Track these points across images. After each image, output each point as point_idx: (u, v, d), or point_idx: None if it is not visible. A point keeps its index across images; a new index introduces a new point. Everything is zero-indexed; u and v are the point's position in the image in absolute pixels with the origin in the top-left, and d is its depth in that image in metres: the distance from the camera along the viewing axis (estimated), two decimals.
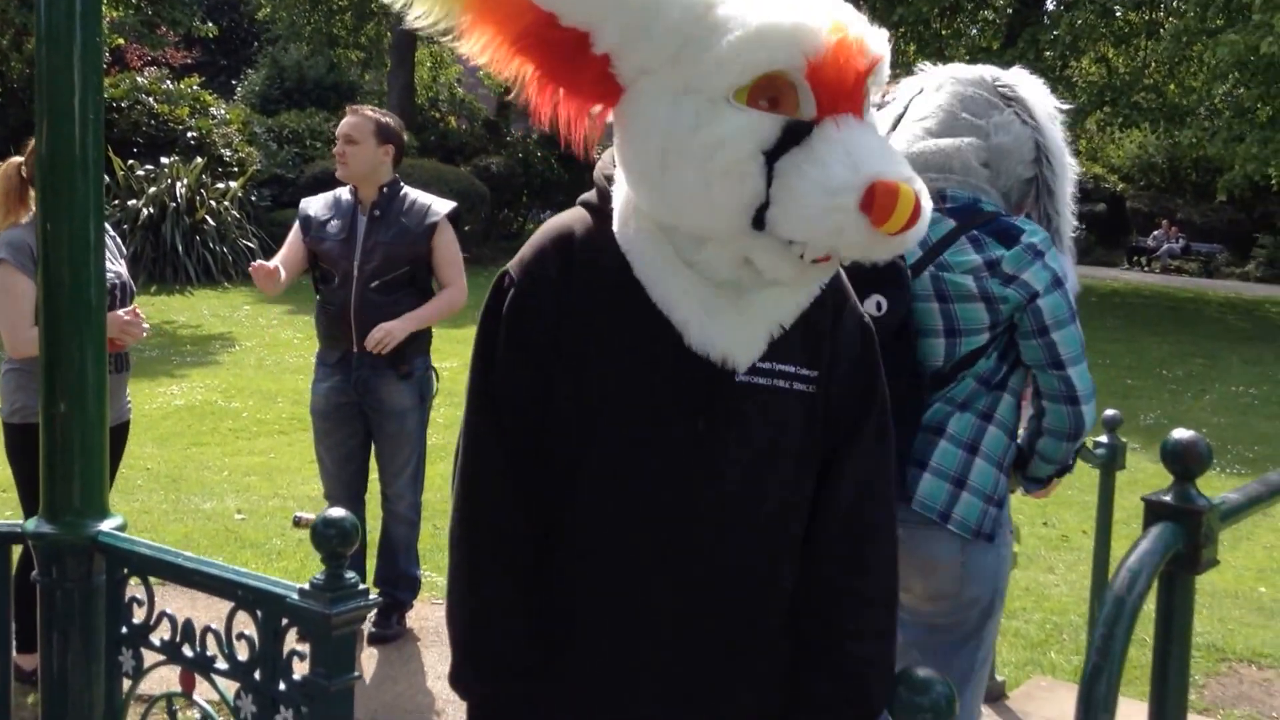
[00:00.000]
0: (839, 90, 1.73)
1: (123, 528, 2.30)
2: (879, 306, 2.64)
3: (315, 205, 5.07)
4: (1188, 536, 1.77)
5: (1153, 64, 23.04)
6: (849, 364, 2.01)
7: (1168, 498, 1.81)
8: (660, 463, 1.92)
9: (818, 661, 2.00)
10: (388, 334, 4.83)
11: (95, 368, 2.27)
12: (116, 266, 4.35)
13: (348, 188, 5.03)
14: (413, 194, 5.09)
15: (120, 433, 4.41)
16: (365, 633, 5.02)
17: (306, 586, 1.93)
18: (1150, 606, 1.84)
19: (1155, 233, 33.79)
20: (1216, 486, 2.10)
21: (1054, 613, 5.81)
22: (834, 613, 2.00)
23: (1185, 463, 1.86)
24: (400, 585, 5.16)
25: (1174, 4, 22.35)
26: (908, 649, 2.94)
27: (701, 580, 1.94)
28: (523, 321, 1.96)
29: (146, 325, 4.32)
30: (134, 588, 2.27)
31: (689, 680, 1.98)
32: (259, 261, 4.80)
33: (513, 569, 1.98)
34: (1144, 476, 8.02)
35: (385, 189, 4.98)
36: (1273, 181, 21.53)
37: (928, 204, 1.74)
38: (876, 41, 1.78)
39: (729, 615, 1.97)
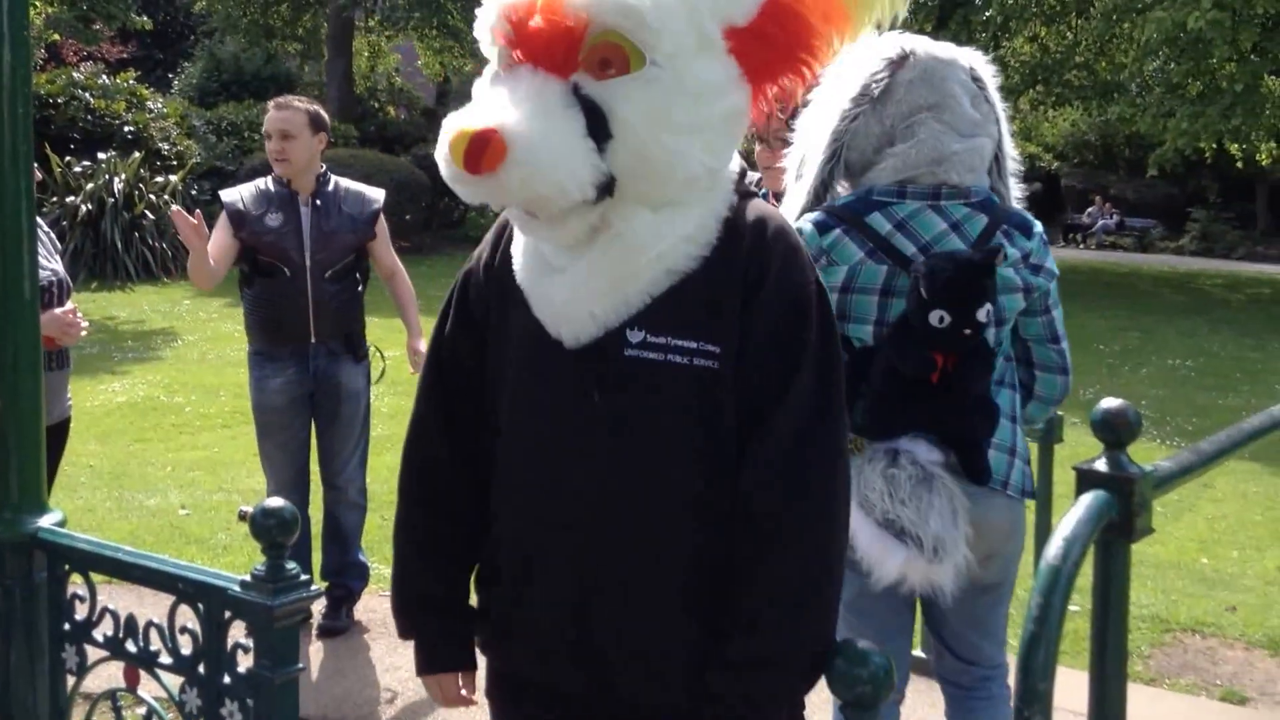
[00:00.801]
0: (522, 46, 1.82)
1: (62, 523, 2.28)
2: (988, 314, 2.77)
3: (244, 198, 4.97)
4: (1121, 504, 1.79)
5: (1084, 42, 23.21)
6: (765, 342, 1.92)
7: (1099, 465, 1.83)
8: (560, 432, 1.97)
9: (722, 651, 1.93)
10: (421, 354, 5.15)
11: (30, 362, 2.25)
12: (53, 264, 4.28)
13: (271, 177, 5.00)
14: (342, 181, 5.12)
15: (61, 430, 4.35)
16: (314, 627, 5.01)
17: (248, 578, 1.92)
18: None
19: (1090, 209, 34.10)
20: (1156, 458, 2.15)
21: None
22: (736, 600, 1.94)
23: (1115, 430, 1.88)
24: (350, 573, 5.15)
25: None
26: (958, 617, 3.12)
27: (602, 547, 1.97)
28: (464, 298, 2.12)
29: (86, 324, 4.26)
30: (77, 585, 2.26)
31: (603, 651, 1.99)
32: (177, 208, 4.68)
33: (444, 515, 2.11)
34: (1084, 451, 8.05)
35: (320, 178, 4.98)
36: (1205, 155, 21.82)
37: (506, 145, 1.74)
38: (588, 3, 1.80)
39: (632, 582, 1.97)
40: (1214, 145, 20.42)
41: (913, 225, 2.85)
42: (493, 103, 1.79)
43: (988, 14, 21.30)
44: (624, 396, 1.92)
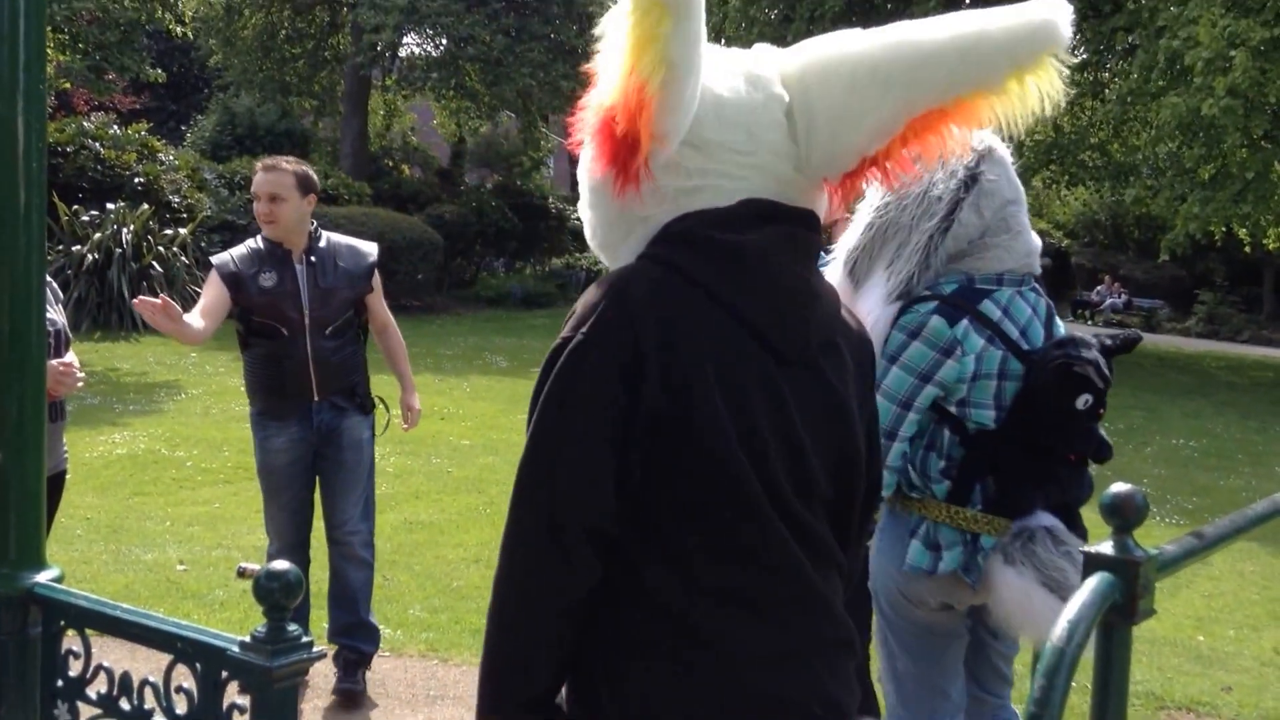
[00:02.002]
0: None
1: (60, 579, 2.27)
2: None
3: (235, 260, 4.94)
4: (1125, 587, 1.78)
5: (1098, 124, 23.36)
6: None
7: (1106, 549, 1.83)
8: None
9: None
10: (418, 412, 5.37)
11: (34, 416, 2.25)
12: (52, 314, 4.28)
13: (261, 236, 4.98)
14: (333, 236, 5.12)
15: (56, 483, 4.33)
16: (307, 686, 4.96)
17: (248, 639, 1.91)
18: (1090, 654, 1.86)
19: (1098, 288, 34.26)
20: (1156, 536, 2.16)
21: None
22: None
23: (1123, 515, 1.88)
24: (359, 635, 5.07)
25: (1118, 66, 22.70)
26: (1000, 654, 3.43)
27: None
28: None
29: (82, 375, 4.24)
30: (71, 640, 2.24)
31: None
32: (142, 298, 4.53)
33: None
34: (1087, 527, 8.06)
35: (311, 234, 4.98)
36: (1216, 238, 21.87)
37: None
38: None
39: None
40: (1223, 229, 20.51)
41: (1012, 311, 3.01)
42: None
43: None
44: None
